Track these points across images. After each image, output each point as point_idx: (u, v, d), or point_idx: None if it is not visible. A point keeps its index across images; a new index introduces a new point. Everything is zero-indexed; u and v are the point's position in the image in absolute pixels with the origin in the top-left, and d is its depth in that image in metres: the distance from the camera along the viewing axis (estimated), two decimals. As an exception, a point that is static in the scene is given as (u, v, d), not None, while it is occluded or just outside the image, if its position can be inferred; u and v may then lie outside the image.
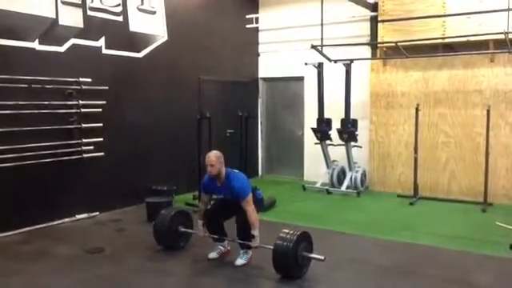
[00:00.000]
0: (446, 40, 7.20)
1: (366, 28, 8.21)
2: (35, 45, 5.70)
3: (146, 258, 4.83)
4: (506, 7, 6.09)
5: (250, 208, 4.40)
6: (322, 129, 7.96)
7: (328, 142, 8.04)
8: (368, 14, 8.08)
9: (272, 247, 4.16)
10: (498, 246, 5.00)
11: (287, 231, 4.23)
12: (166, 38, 7.39)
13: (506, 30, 6.10)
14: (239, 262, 4.55)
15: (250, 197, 4.43)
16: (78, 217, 6.18)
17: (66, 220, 6.04)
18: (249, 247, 4.56)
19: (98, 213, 6.40)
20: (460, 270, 4.48)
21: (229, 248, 4.82)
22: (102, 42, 6.48)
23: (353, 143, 7.86)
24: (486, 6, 6.63)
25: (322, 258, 4.18)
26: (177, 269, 4.54)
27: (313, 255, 4.26)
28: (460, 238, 5.45)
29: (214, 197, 4.88)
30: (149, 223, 6.05)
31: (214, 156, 4.46)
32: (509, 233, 5.52)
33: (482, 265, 4.61)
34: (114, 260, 4.75)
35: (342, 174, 8.16)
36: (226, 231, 4.75)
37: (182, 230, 4.95)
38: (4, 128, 5.31)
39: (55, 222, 5.91)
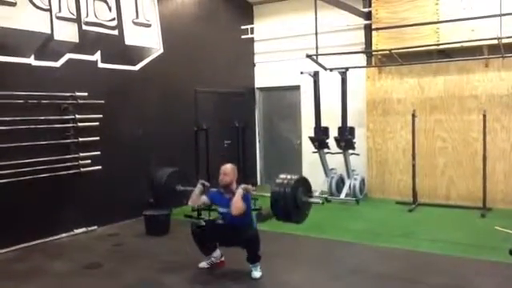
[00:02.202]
0: (440, 46, 7.24)
1: (360, 36, 8.24)
2: (31, 60, 5.72)
3: (144, 272, 4.79)
4: (498, 13, 6.13)
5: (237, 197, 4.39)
6: (320, 137, 7.96)
7: (326, 150, 8.03)
8: (362, 22, 8.13)
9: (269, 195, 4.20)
10: (498, 251, 4.96)
11: (284, 177, 4.25)
12: (161, 50, 7.42)
13: (499, 36, 6.13)
14: (257, 274, 4.46)
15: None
16: (76, 231, 6.15)
17: (64, 235, 6.01)
18: (255, 262, 4.48)
19: (95, 227, 6.37)
20: (461, 276, 4.46)
21: (222, 259, 4.79)
22: (97, 56, 6.50)
23: (351, 151, 7.85)
24: (479, 12, 6.67)
25: (320, 201, 4.32)
26: (176, 283, 4.50)
27: (311, 200, 4.30)
28: (460, 243, 5.43)
29: (222, 210, 4.67)
30: (147, 237, 6.04)
31: (230, 166, 4.65)
32: (508, 237, 5.50)
33: (482, 271, 4.59)
34: (111, 275, 4.71)
35: (340, 182, 8.15)
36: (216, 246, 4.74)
37: (181, 188, 4.91)
38: (0, 144, 5.31)
39: (52, 238, 5.87)
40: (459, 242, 5.50)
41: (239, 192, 4.42)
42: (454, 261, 4.87)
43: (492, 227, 5.97)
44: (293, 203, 4.09)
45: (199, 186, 4.76)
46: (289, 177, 4.23)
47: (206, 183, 4.82)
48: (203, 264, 4.75)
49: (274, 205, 4.15)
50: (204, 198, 4.73)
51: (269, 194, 4.23)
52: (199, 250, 4.71)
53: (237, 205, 4.37)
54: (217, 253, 4.75)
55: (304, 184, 4.29)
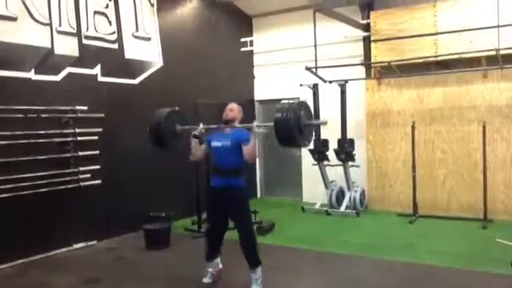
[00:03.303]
0: (439, 58, 7.27)
1: (359, 48, 8.29)
2: (31, 74, 5.72)
3: (145, 287, 4.76)
4: (496, 24, 6.17)
5: (251, 143, 4.27)
6: (320, 149, 7.96)
7: (326, 162, 8.03)
8: (361, 34, 8.17)
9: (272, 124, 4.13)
10: (500, 264, 4.95)
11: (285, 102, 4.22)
12: (161, 63, 7.45)
13: (497, 47, 6.16)
14: None
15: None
16: (76, 246, 6.11)
17: (63, 250, 5.97)
18: (256, 265, 4.44)
19: (95, 241, 6.34)
20: (462, 289, 4.44)
21: (220, 266, 4.76)
22: (97, 70, 6.51)
23: (350, 163, 7.85)
24: (477, 23, 6.73)
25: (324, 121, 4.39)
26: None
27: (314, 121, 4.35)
28: (461, 255, 5.41)
29: (215, 144, 4.51)
30: (147, 251, 6.01)
31: (236, 105, 4.65)
32: (509, 249, 5.48)
33: (483, 283, 4.56)
34: (112, 290, 4.69)
35: (340, 195, 8.14)
36: (221, 250, 4.72)
37: (179, 128, 4.84)
38: (0, 158, 5.30)
39: (52, 252, 5.84)
40: (460, 254, 5.48)
41: (253, 137, 4.25)
42: (455, 273, 4.84)
43: (493, 239, 5.94)
44: (296, 126, 4.05)
45: (194, 140, 4.59)
46: (290, 101, 4.23)
47: (199, 131, 4.60)
48: (207, 280, 4.69)
49: (277, 130, 4.08)
50: (203, 147, 4.63)
51: (271, 124, 4.15)
52: (206, 251, 4.66)
53: (251, 150, 4.26)
54: (216, 261, 4.72)
55: (305, 108, 4.27)
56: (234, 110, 4.57)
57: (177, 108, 5.14)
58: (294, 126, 4.02)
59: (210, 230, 4.71)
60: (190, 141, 4.64)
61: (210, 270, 4.71)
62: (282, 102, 4.24)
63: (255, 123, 4.32)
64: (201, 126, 4.63)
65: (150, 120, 4.70)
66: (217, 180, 4.50)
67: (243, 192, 4.54)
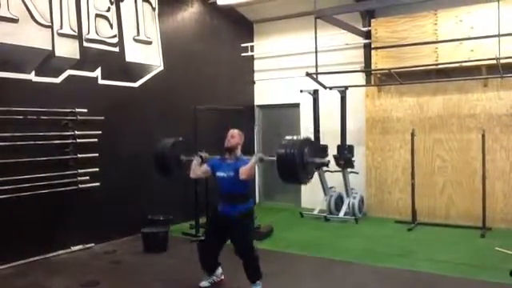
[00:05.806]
0: (439, 66, 7.29)
1: (359, 55, 8.31)
2: (31, 76, 5.74)
3: (141, 290, 4.75)
4: (497, 33, 6.18)
5: (249, 164, 4.32)
6: (319, 155, 7.93)
7: (325, 168, 8.01)
8: (361, 41, 8.19)
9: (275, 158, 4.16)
10: (498, 272, 4.93)
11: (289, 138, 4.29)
12: (161, 67, 7.46)
13: (498, 56, 6.17)
14: None
15: None
16: (73, 248, 6.09)
17: (61, 252, 5.95)
18: (257, 280, 4.44)
19: (93, 244, 6.32)
20: (461, 297, 4.43)
21: (222, 277, 4.74)
22: (98, 73, 6.52)
23: (350, 169, 7.84)
24: (478, 32, 6.74)
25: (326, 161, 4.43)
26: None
27: (317, 160, 4.31)
28: (459, 264, 5.39)
29: (220, 175, 4.54)
30: (145, 254, 5.99)
31: (237, 131, 4.59)
32: (508, 258, 5.46)
33: (482, 292, 4.55)
34: (109, 293, 4.67)
35: (339, 201, 8.12)
36: (219, 262, 4.69)
37: (184, 158, 4.91)
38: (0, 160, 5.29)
39: (50, 255, 5.82)
40: (459, 262, 5.46)
41: (253, 161, 4.35)
42: (454, 281, 4.83)
43: (492, 247, 5.93)
44: (300, 165, 4.06)
45: (197, 158, 4.70)
46: (295, 137, 4.27)
47: (204, 154, 4.74)
48: (204, 283, 4.69)
49: (280, 166, 4.11)
50: (204, 167, 4.65)
51: (274, 158, 4.19)
52: (202, 268, 4.65)
53: (249, 171, 4.31)
54: (218, 271, 4.71)
55: (310, 145, 4.28)
56: (235, 136, 4.54)
57: (181, 138, 5.26)
58: (297, 165, 4.05)
59: (205, 246, 4.64)
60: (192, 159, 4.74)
61: (214, 277, 4.71)
62: (287, 137, 4.26)
63: (259, 155, 4.46)
64: (199, 154, 4.75)
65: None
66: (224, 206, 4.51)
67: (250, 213, 4.59)
